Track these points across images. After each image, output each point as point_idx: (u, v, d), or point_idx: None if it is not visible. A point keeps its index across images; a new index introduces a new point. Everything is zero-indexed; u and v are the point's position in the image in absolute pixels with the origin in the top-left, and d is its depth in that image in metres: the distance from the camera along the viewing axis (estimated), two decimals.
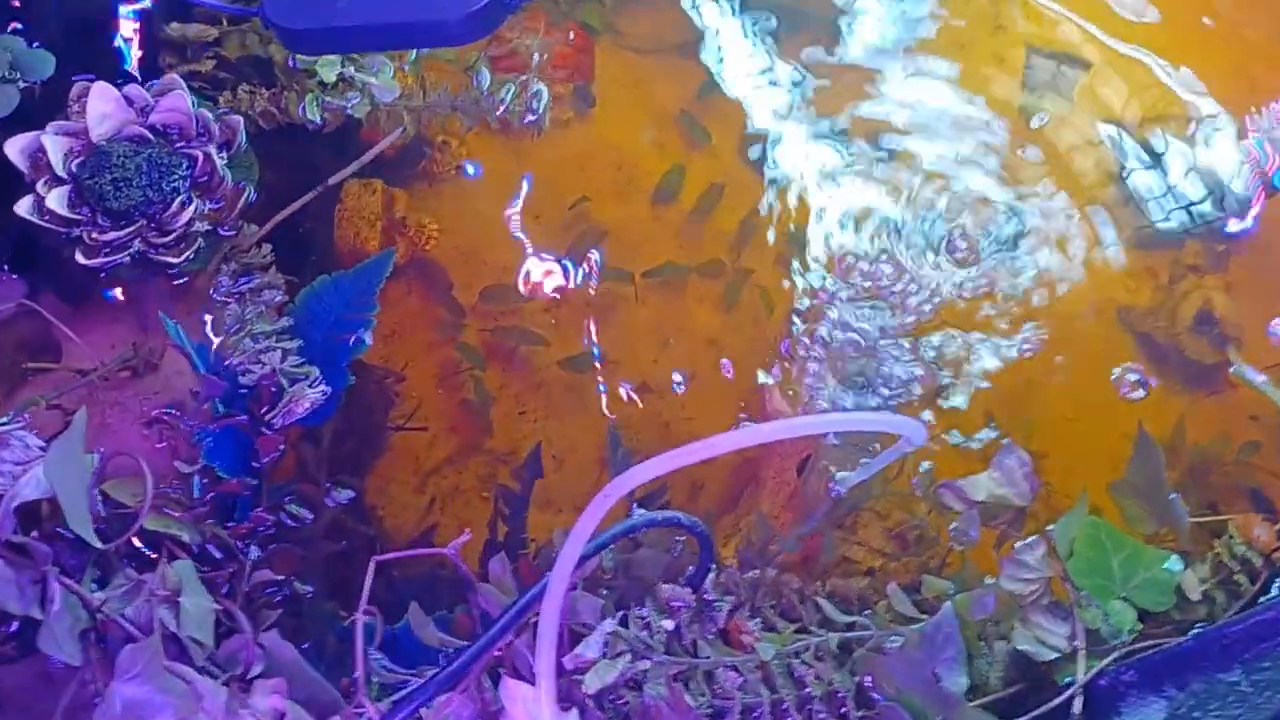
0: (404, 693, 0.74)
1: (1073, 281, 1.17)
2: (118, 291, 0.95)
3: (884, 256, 1.14)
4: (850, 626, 0.87)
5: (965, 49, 1.28)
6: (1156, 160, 1.21)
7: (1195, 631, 0.86)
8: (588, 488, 1.11)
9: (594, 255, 1.15)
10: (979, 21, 1.30)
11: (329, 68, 0.98)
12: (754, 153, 1.23)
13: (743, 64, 1.23)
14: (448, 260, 1.16)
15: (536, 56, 1.08)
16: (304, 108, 1.00)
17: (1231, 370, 1.10)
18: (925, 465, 1.02)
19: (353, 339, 0.93)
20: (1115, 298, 1.19)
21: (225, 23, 1.08)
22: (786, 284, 1.16)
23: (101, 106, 0.95)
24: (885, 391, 1.03)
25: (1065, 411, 1.15)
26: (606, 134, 1.24)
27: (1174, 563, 0.93)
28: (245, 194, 0.96)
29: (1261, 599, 0.93)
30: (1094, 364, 1.16)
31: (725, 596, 0.89)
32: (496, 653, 0.76)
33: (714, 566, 0.87)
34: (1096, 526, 0.95)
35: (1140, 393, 1.09)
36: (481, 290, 1.15)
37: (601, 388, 1.14)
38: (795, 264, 1.18)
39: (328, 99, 1.00)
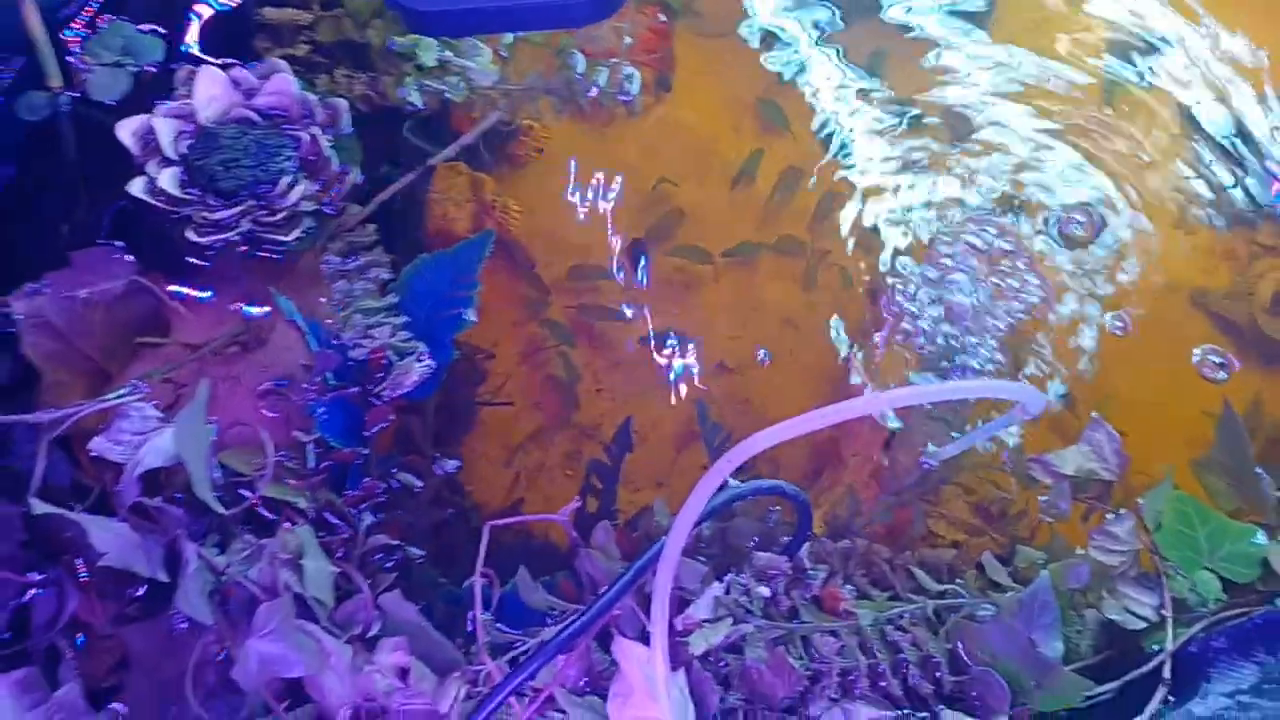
0: (524, 649, 0.77)
1: (1151, 264, 1.18)
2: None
3: (963, 241, 1.15)
4: (943, 595, 0.89)
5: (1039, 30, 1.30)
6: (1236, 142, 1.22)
7: None
8: (666, 465, 1.13)
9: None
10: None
11: (429, 51, 1.00)
12: (830, 138, 1.25)
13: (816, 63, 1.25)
14: (530, 240, 1.19)
15: (627, 39, 1.10)
16: (404, 91, 1.02)
17: None
18: (1013, 441, 1.04)
19: (456, 315, 0.95)
20: (1191, 279, 1.20)
21: (318, 6, 1.11)
22: (864, 265, 1.18)
23: (209, 89, 0.98)
24: (974, 366, 1.05)
25: (1144, 393, 1.16)
26: (683, 117, 1.26)
27: (1259, 537, 0.94)
28: (350, 176, 0.98)
29: None
30: (1172, 346, 1.17)
31: (819, 565, 0.91)
32: (613, 614, 0.78)
33: (810, 536, 0.89)
34: (1183, 501, 0.97)
35: (1223, 374, 1.10)
36: (569, 268, 1.17)
37: (679, 367, 1.16)
38: (875, 247, 1.20)
39: (426, 82, 1.02)
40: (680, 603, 0.84)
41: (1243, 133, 1.24)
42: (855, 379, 1.07)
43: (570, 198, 1.21)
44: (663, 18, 1.15)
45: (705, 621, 0.80)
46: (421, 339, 0.94)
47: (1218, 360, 1.11)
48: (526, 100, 1.07)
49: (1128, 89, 1.27)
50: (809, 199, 1.22)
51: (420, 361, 0.91)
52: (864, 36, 1.31)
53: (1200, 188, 1.23)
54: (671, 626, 0.80)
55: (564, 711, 0.77)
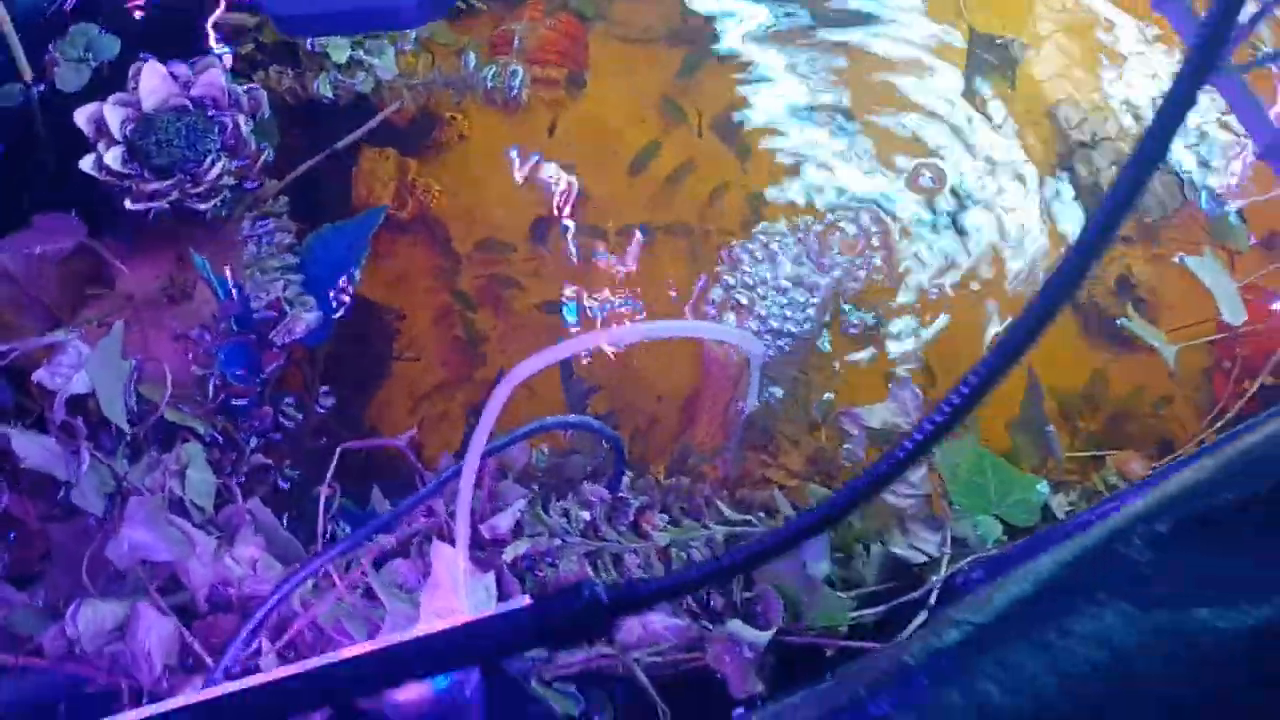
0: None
1: (1011, 250, 1.29)
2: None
3: (831, 219, 1.28)
4: (740, 522, 1.02)
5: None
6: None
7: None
8: (547, 411, 1.28)
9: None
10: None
11: (340, 50, 1.17)
12: (727, 131, 1.38)
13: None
14: (449, 217, 1.35)
15: (517, 40, 1.26)
16: (317, 84, 1.19)
17: (1119, 322, 1.21)
18: (828, 395, 1.16)
19: (347, 274, 1.12)
20: (1045, 265, 1.30)
21: (263, 14, 1.28)
22: (736, 241, 1.31)
23: (151, 82, 1.16)
24: (792, 331, 1.17)
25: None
26: (594, 112, 1.41)
27: (1043, 486, 1.05)
28: (265, 154, 1.16)
29: None
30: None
31: (639, 497, 1.05)
32: (423, 519, 0.93)
33: (625, 470, 1.03)
34: (981, 455, 1.08)
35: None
36: (478, 242, 1.33)
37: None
38: (755, 226, 1.33)
39: (340, 77, 1.19)
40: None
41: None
42: (710, 350, 1.21)
43: (486, 180, 1.37)
44: (554, 22, 1.30)
45: (508, 530, 0.94)
46: (317, 295, 1.10)
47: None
48: (429, 93, 1.23)
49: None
50: (702, 187, 1.36)
51: (309, 312, 1.08)
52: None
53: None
54: (482, 536, 0.94)
55: (395, 597, 0.93)
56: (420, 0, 0.91)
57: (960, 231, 1.30)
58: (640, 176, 1.37)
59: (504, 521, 0.94)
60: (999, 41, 1.38)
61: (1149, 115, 0.99)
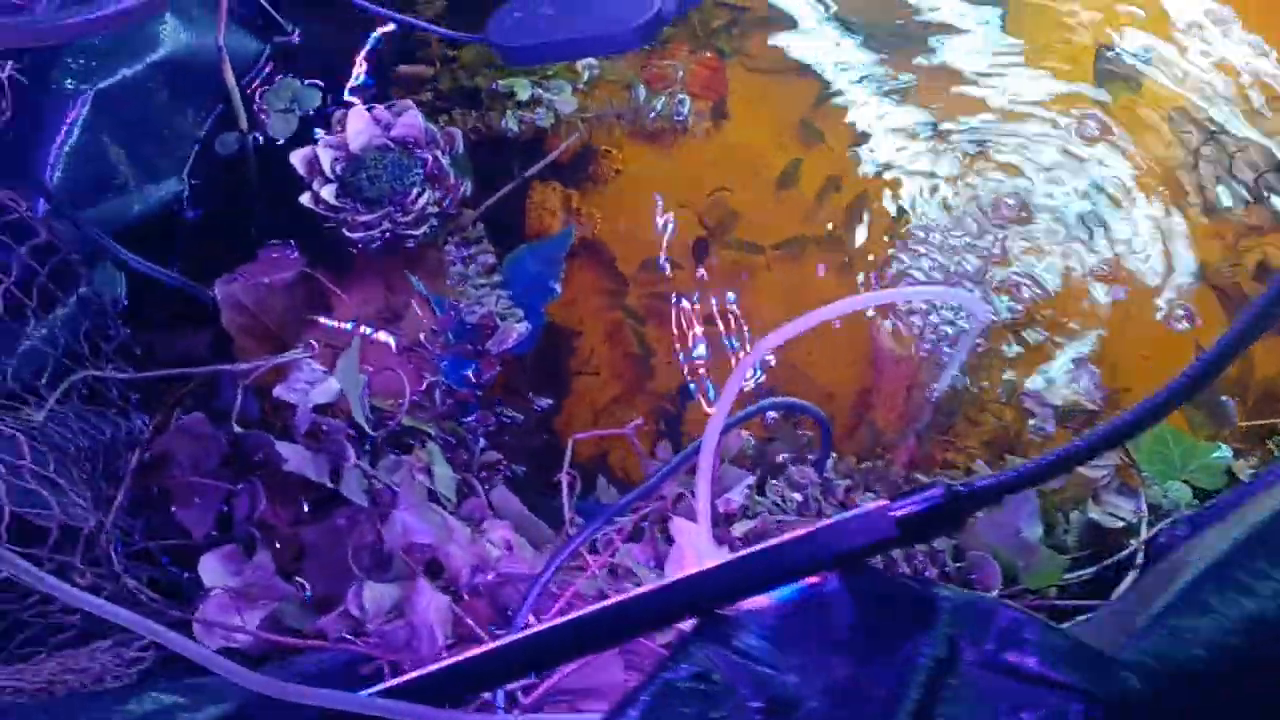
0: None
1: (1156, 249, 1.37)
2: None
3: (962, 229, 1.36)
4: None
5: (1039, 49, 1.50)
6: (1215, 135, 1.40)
7: None
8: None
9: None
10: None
11: (523, 89, 1.27)
12: (862, 151, 1.47)
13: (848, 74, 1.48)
14: (611, 241, 1.44)
15: (680, 73, 1.36)
16: (505, 121, 1.30)
17: None
18: (1007, 375, 1.23)
19: (547, 289, 1.20)
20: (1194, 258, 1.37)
21: (439, 65, 1.39)
22: (891, 252, 1.39)
23: (356, 125, 1.26)
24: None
25: (1143, 350, 1.33)
26: (738, 138, 1.50)
27: (1225, 451, 1.11)
28: (463, 185, 1.25)
29: None
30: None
31: (842, 479, 1.12)
32: (659, 500, 1.00)
33: (833, 453, 1.09)
34: (1161, 427, 1.14)
35: (1185, 324, 1.27)
36: (641, 262, 1.42)
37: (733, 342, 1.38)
38: (897, 238, 1.41)
39: (522, 113, 1.29)
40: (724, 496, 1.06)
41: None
42: (884, 339, 1.28)
43: (643, 207, 1.46)
44: (708, 54, 1.40)
45: (743, 508, 1.01)
46: (520, 307, 1.19)
47: (1182, 313, 1.28)
48: (601, 124, 1.33)
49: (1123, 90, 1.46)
50: (843, 199, 1.44)
51: (519, 323, 1.16)
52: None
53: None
54: (716, 511, 1.01)
55: (636, 576, 0.99)
56: (636, 27, 1.01)
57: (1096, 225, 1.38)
58: (785, 193, 1.46)
59: (736, 497, 1.01)
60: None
61: None
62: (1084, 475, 1.10)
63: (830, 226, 1.42)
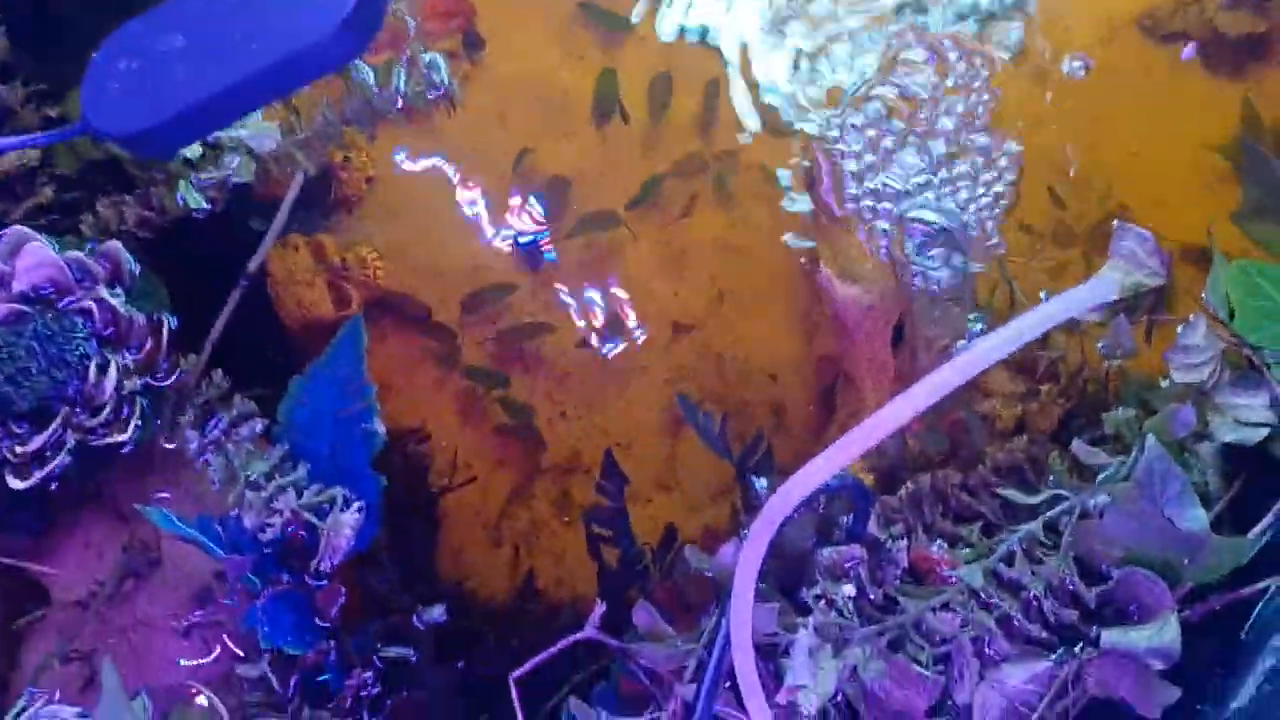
0: None
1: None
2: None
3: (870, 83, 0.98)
4: (1044, 503, 0.74)
5: None
6: None
7: None
8: (666, 462, 0.97)
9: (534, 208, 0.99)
10: None
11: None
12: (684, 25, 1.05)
13: None
14: (410, 282, 1.00)
15: (410, 20, 0.89)
16: (181, 197, 0.82)
17: None
18: (1043, 293, 0.88)
19: (363, 434, 0.77)
20: (1130, 10, 1.03)
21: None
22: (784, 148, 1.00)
23: None
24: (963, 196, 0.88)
25: (1129, 145, 1.00)
26: (512, 67, 1.06)
27: None
28: (163, 324, 0.79)
29: None
30: (1138, 86, 1.01)
31: (892, 529, 0.76)
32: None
33: (871, 506, 0.73)
34: (1245, 270, 0.82)
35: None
36: (464, 299, 0.99)
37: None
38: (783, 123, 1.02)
39: (202, 176, 0.81)
40: (770, 651, 0.69)
41: None
42: (837, 287, 0.91)
43: (431, 219, 1.02)
44: None
45: (809, 683, 0.64)
46: (335, 481, 0.75)
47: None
48: (327, 142, 0.86)
49: None
50: (689, 103, 1.03)
51: (346, 510, 0.73)
52: None
53: None
54: (775, 700, 0.65)
55: None
56: (345, 19, 0.55)
57: None
58: (611, 126, 1.04)
59: (802, 675, 0.64)
60: None
61: None
62: (1187, 384, 0.77)
63: (694, 147, 1.01)
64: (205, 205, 0.83)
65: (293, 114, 0.84)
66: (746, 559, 0.54)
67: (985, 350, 0.65)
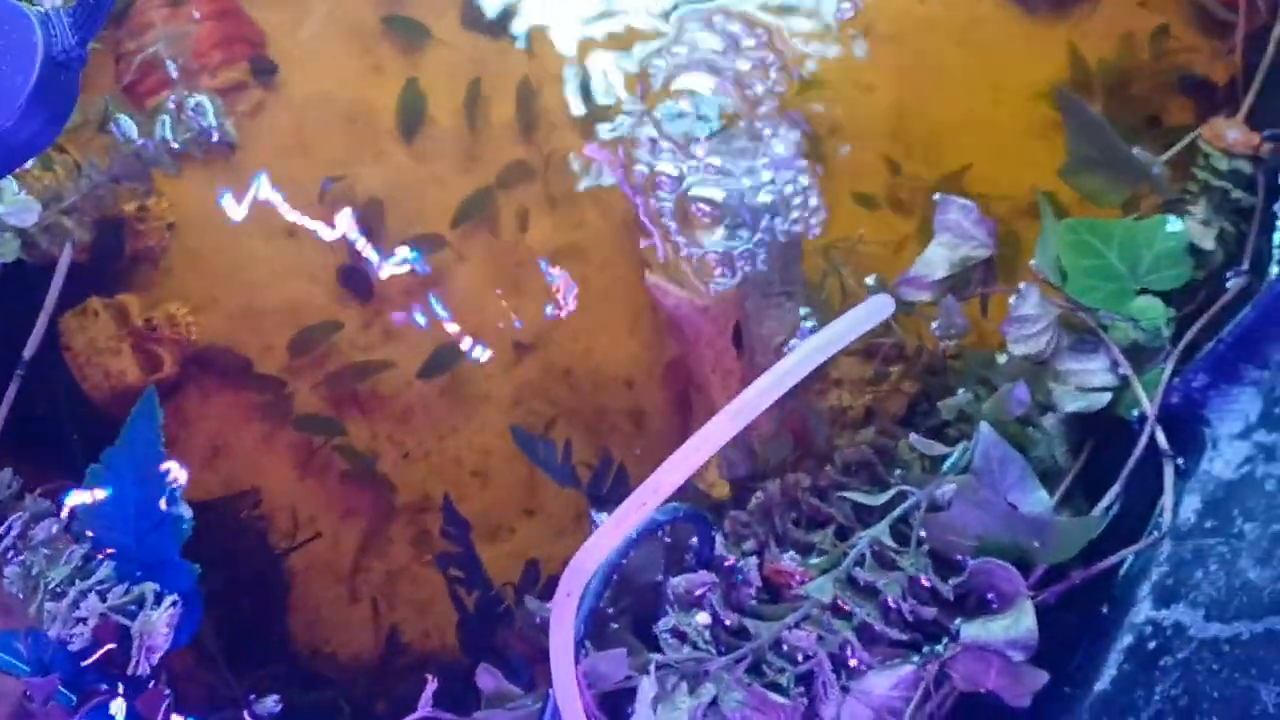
0: None
1: None
2: None
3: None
4: (891, 500, 0.72)
5: None
6: None
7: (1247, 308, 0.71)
8: (522, 487, 0.93)
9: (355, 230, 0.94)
10: None
11: None
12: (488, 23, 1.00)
13: None
14: (226, 333, 0.93)
15: (170, 62, 0.82)
16: None
17: None
18: (870, 279, 0.85)
19: (168, 518, 0.71)
20: None
21: None
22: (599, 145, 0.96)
23: None
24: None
25: (962, 99, 0.98)
26: (314, 86, 0.99)
27: (1172, 223, 0.79)
28: None
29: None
30: (964, 35, 0.99)
31: (743, 545, 0.73)
32: None
33: (713, 530, 0.70)
34: (1073, 229, 0.80)
35: None
36: (289, 342, 0.93)
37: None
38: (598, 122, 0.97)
39: None
40: (623, 695, 0.66)
41: None
42: (667, 292, 0.87)
43: (240, 261, 0.95)
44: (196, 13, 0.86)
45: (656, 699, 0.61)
46: (145, 574, 0.70)
47: None
48: (99, 202, 0.79)
49: None
50: (504, 107, 0.98)
51: (159, 606, 0.68)
52: None
53: None
54: None
55: None
56: (29, 98, 0.49)
57: None
58: (420, 141, 0.98)
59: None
60: None
61: None
62: (1025, 355, 0.75)
63: (520, 156, 0.96)
64: None
65: (55, 179, 0.77)
66: (556, 644, 0.51)
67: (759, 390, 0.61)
